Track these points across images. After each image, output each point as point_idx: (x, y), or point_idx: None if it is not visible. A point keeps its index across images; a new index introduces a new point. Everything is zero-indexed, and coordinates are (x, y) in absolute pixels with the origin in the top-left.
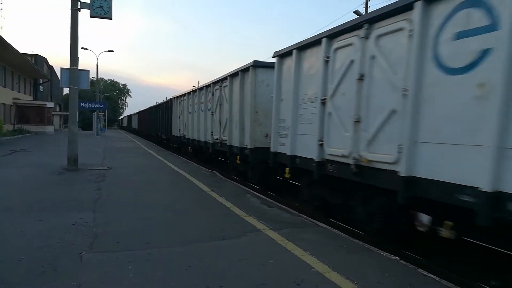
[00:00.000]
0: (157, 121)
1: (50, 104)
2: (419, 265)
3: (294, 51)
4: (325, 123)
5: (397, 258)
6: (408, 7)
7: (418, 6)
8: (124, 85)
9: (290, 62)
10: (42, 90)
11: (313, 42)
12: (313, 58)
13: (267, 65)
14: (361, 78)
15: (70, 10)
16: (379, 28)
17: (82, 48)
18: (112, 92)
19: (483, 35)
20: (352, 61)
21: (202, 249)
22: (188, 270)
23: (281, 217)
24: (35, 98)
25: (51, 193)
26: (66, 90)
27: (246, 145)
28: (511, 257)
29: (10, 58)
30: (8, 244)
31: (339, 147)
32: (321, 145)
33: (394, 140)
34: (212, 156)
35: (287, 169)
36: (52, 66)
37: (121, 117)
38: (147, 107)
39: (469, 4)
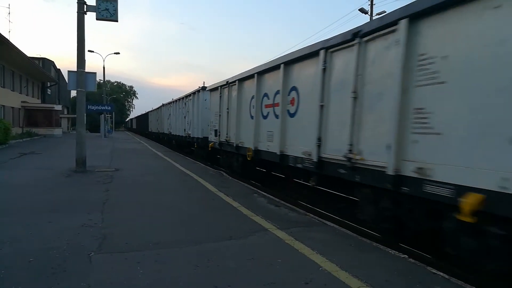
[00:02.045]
0: (144, 123)
1: (58, 107)
2: (428, 263)
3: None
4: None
5: (406, 256)
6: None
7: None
8: (131, 87)
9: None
10: (50, 93)
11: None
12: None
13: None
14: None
15: (76, 14)
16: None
17: (89, 50)
18: (119, 94)
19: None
20: (252, 96)
21: (210, 249)
22: (197, 270)
23: (289, 217)
24: (43, 101)
25: (60, 195)
26: (73, 93)
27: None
28: None
29: (18, 62)
30: (18, 245)
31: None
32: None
33: (251, 132)
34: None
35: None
36: (59, 69)
37: (127, 119)
38: (140, 114)
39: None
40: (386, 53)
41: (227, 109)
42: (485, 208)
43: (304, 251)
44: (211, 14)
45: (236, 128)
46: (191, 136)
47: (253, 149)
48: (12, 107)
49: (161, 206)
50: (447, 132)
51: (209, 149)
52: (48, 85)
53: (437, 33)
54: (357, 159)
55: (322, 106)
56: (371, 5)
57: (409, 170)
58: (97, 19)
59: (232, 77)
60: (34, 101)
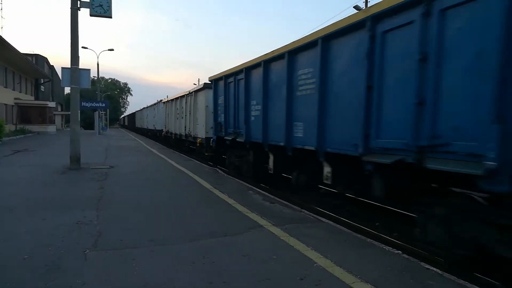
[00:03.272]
0: (133, 120)
1: (52, 104)
2: (421, 259)
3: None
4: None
5: (400, 252)
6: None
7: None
8: (125, 84)
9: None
10: (43, 90)
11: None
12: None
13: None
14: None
15: (70, 9)
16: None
17: (83, 47)
18: (113, 91)
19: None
20: (173, 108)
21: (206, 245)
22: (192, 267)
23: (284, 213)
24: (36, 98)
25: (55, 192)
26: (67, 90)
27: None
28: None
29: (11, 58)
30: (13, 243)
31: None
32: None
33: (174, 125)
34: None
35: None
36: (53, 65)
37: (122, 116)
38: (130, 113)
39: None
40: (198, 98)
41: (168, 113)
42: (201, 142)
43: (299, 247)
44: (207, 11)
45: (171, 124)
46: (156, 129)
47: (174, 133)
48: (5, 104)
49: (156, 203)
50: (199, 123)
51: (163, 136)
52: (42, 81)
53: (205, 96)
54: (191, 134)
55: (186, 115)
56: (366, 2)
57: (195, 135)
58: (90, 15)
59: (170, 97)
60: (28, 98)
